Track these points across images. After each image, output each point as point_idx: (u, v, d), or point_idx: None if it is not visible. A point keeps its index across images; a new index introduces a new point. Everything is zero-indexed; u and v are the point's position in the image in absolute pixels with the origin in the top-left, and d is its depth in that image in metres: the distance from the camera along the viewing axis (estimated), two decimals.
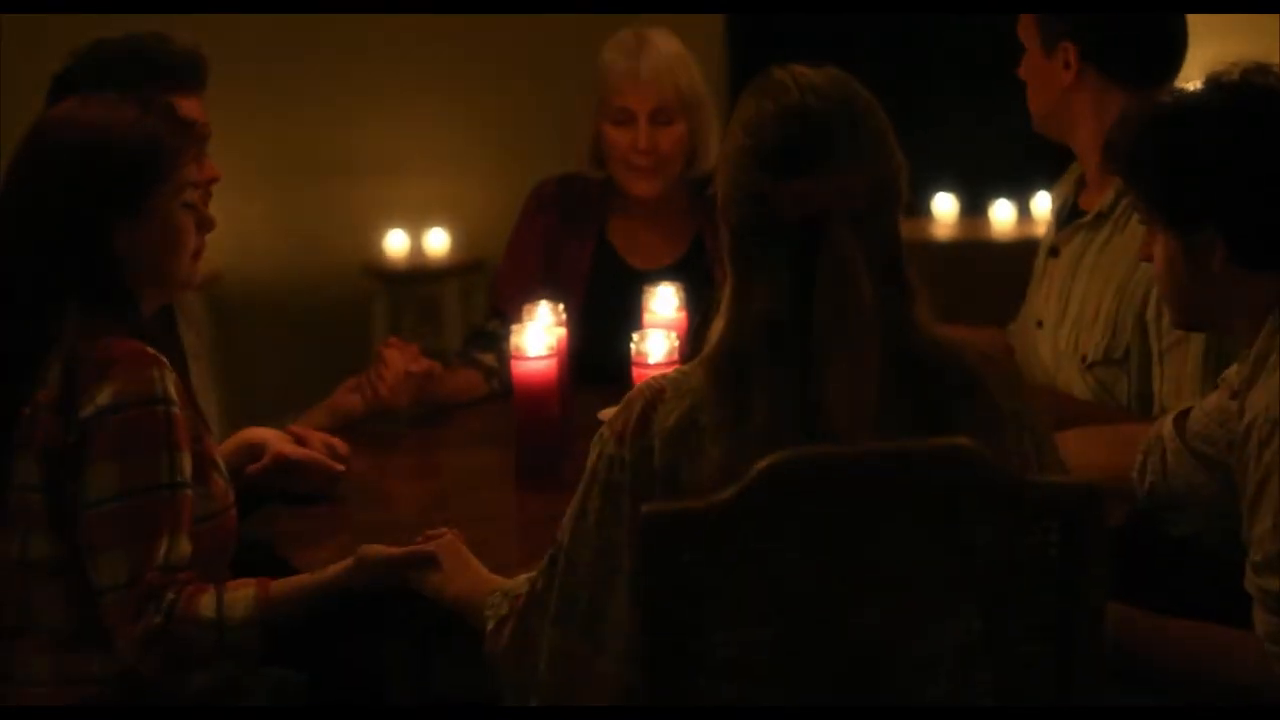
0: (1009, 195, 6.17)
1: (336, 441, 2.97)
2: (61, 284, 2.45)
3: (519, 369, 2.93)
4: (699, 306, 3.09)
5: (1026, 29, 3.14)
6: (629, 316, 3.15)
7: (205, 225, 2.60)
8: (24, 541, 2.42)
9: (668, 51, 3.54)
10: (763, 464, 1.82)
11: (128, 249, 2.47)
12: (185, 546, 2.39)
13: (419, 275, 6.32)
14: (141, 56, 3.05)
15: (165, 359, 2.42)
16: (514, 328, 2.97)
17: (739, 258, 2.04)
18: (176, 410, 2.41)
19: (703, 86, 3.59)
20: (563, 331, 3.04)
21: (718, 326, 2.04)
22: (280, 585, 2.43)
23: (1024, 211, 6.20)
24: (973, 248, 6.08)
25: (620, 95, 3.53)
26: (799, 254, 1.96)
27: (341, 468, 2.92)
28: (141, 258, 2.49)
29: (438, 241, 6.34)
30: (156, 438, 2.38)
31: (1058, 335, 3.10)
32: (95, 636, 2.41)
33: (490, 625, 2.22)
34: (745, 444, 1.94)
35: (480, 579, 2.35)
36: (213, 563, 2.46)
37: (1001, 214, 6.16)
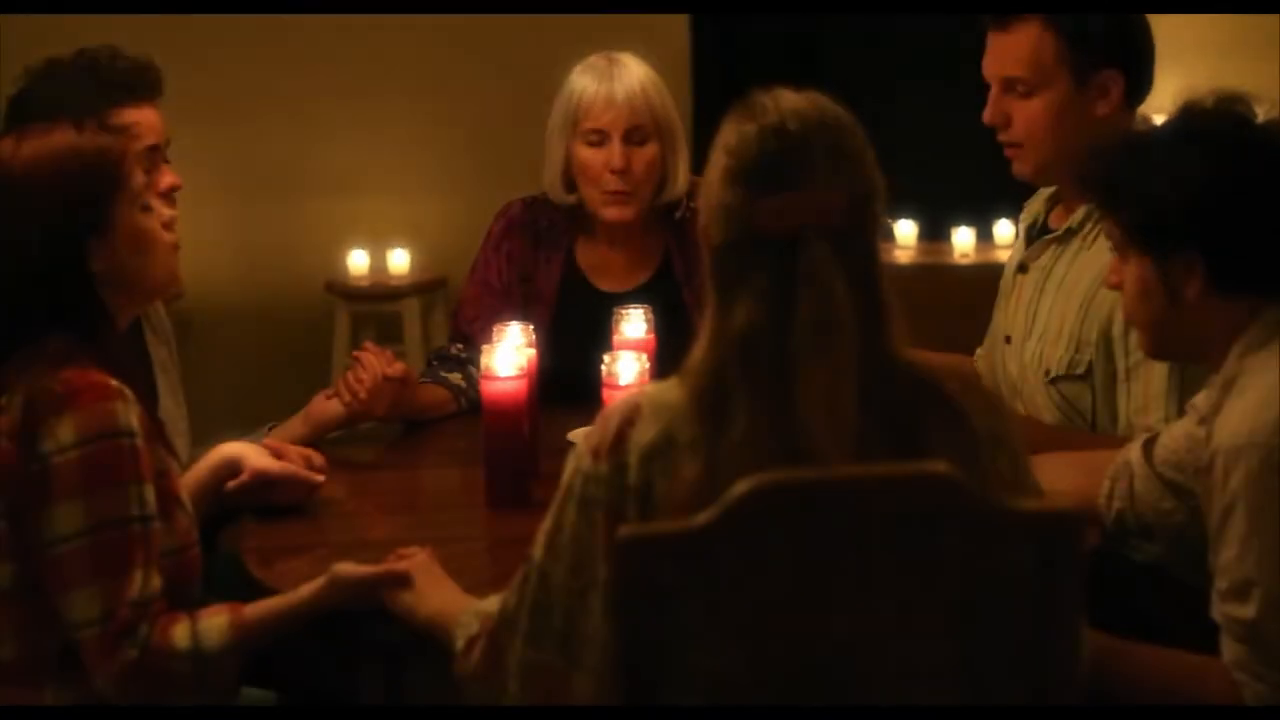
0: (969, 221, 6.20)
1: (313, 453, 2.97)
2: (39, 313, 2.44)
3: (489, 389, 2.93)
4: (667, 328, 3.11)
5: (1040, 57, 3.05)
6: (597, 339, 3.16)
7: (169, 225, 2.59)
8: None
9: (640, 73, 3.54)
10: (742, 487, 1.83)
11: (103, 265, 2.46)
12: (156, 580, 2.37)
13: (380, 293, 6.34)
14: (94, 71, 3.08)
15: (129, 390, 2.40)
16: (484, 348, 2.97)
17: (720, 276, 2.05)
18: (140, 443, 2.38)
19: (674, 110, 3.59)
20: (532, 352, 3.03)
21: (698, 346, 2.05)
22: (253, 610, 2.42)
23: (984, 237, 6.23)
24: (933, 272, 6.11)
25: (593, 118, 3.51)
26: (778, 270, 1.98)
27: (320, 478, 2.92)
28: (117, 271, 2.48)
29: (399, 260, 6.36)
30: (122, 471, 2.36)
31: (1024, 350, 3.11)
32: (46, 668, 2.39)
33: (460, 645, 2.22)
34: (722, 460, 1.95)
35: (454, 598, 2.35)
36: (177, 599, 2.42)
37: (962, 239, 6.19)
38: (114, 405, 2.37)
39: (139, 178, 2.53)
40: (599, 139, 3.52)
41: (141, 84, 3.11)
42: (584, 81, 3.54)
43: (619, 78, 3.52)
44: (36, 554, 2.36)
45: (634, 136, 3.52)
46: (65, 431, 2.34)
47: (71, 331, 2.43)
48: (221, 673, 2.38)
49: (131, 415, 2.38)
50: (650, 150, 3.54)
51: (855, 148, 2.05)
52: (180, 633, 2.36)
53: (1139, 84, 3.08)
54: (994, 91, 3.12)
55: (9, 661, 2.40)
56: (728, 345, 2.01)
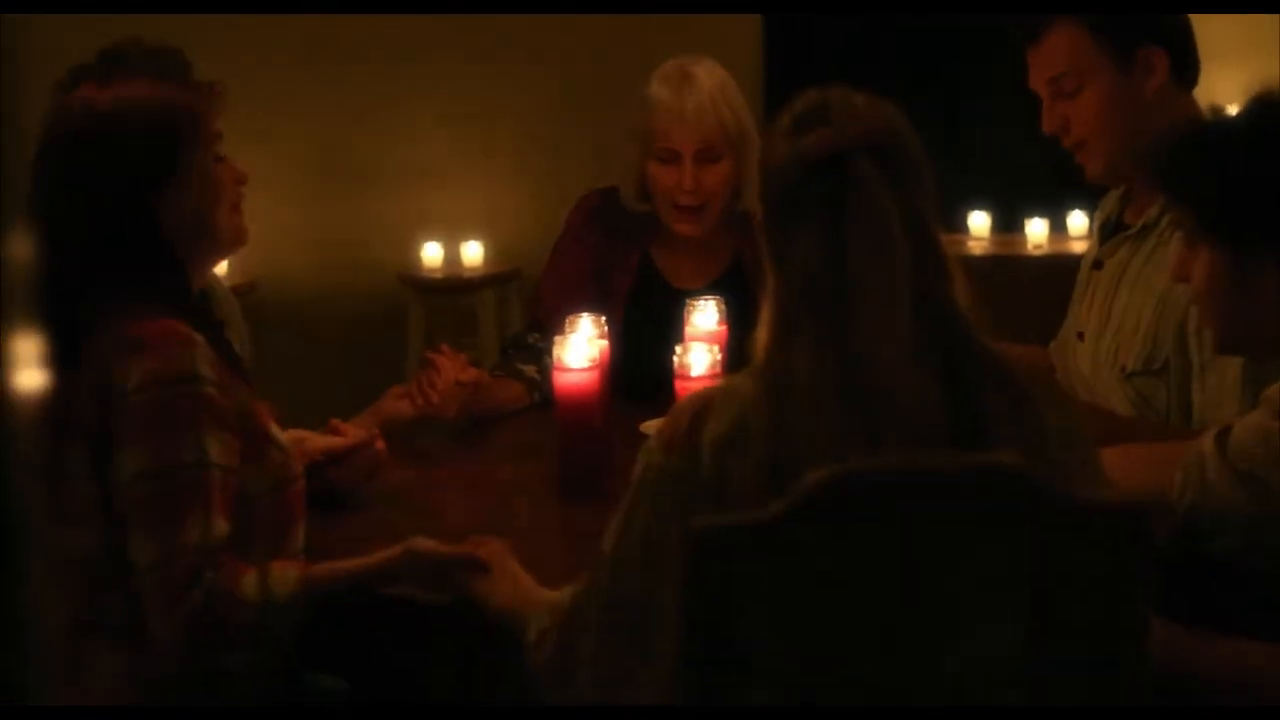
0: (1043, 213, 6.17)
1: (375, 432, 2.99)
2: (114, 264, 2.46)
3: (561, 380, 2.94)
4: (739, 324, 3.11)
5: (1078, 51, 3.09)
6: (669, 333, 3.16)
7: (240, 179, 2.63)
8: (82, 534, 2.40)
9: (712, 87, 3.50)
10: (814, 478, 1.83)
11: (173, 214, 2.49)
12: (221, 527, 2.37)
13: (454, 285, 6.35)
14: (121, 62, 3.11)
15: (203, 337, 2.42)
16: (556, 339, 2.99)
17: (776, 232, 2.07)
18: (210, 390, 2.39)
19: (748, 119, 3.56)
20: (605, 344, 3.04)
21: (762, 316, 2.06)
22: (323, 568, 2.43)
23: (1058, 228, 6.20)
24: (1007, 264, 6.09)
25: (664, 136, 3.50)
26: (829, 200, 1.99)
27: (381, 445, 2.94)
28: (186, 219, 2.51)
29: (473, 252, 6.37)
30: (182, 417, 2.37)
31: (1098, 346, 3.11)
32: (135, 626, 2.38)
33: (532, 637, 2.23)
34: (789, 408, 1.97)
35: (527, 590, 2.36)
36: (273, 540, 2.44)
37: (1036, 230, 6.17)
38: (186, 350, 2.39)
39: (216, 126, 2.57)
40: (670, 156, 3.51)
41: (170, 67, 3.16)
42: (657, 95, 3.52)
43: (690, 94, 3.48)
44: (114, 500, 2.38)
45: (705, 155, 3.50)
46: (133, 378, 2.36)
47: (145, 283, 2.45)
48: (285, 626, 2.38)
49: (203, 362, 2.40)
50: (722, 167, 3.52)
51: (900, 116, 2.07)
52: (249, 581, 2.35)
53: (1183, 57, 3.09)
54: (1046, 101, 3.16)
55: (122, 625, 2.39)
56: (789, 292, 2.03)
